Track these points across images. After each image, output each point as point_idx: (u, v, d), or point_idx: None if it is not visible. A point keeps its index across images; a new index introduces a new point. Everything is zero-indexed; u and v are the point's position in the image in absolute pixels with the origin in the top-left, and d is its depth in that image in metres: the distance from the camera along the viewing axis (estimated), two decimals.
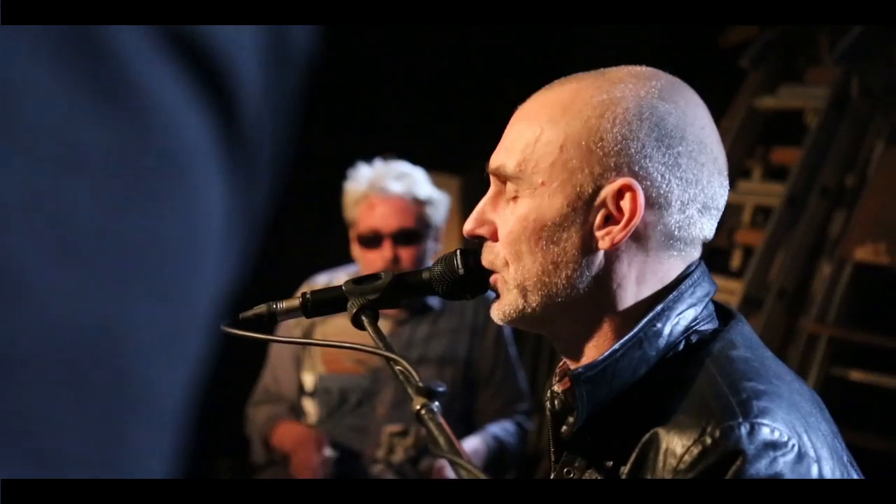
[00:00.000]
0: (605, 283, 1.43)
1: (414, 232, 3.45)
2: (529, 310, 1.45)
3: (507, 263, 1.46)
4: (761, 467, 1.28)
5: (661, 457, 1.33)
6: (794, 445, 1.30)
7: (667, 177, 1.39)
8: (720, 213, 1.48)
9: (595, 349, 1.44)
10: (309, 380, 3.55)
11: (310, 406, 3.56)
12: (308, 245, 4.62)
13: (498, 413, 3.57)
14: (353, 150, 3.64)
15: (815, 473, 1.31)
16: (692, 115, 1.42)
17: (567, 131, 1.41)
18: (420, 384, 1.29)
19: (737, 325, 1.46)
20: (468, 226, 1.50)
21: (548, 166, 1.41)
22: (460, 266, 1.51)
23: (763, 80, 4.69)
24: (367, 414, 3.48)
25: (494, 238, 1.48)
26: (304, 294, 1.55)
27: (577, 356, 1.48)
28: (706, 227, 1.45)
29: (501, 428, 3.53)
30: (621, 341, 1.41)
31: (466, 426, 3.52)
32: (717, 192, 1.45)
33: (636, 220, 1.39)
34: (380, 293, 1.52)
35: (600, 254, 1.42)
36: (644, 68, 1.46)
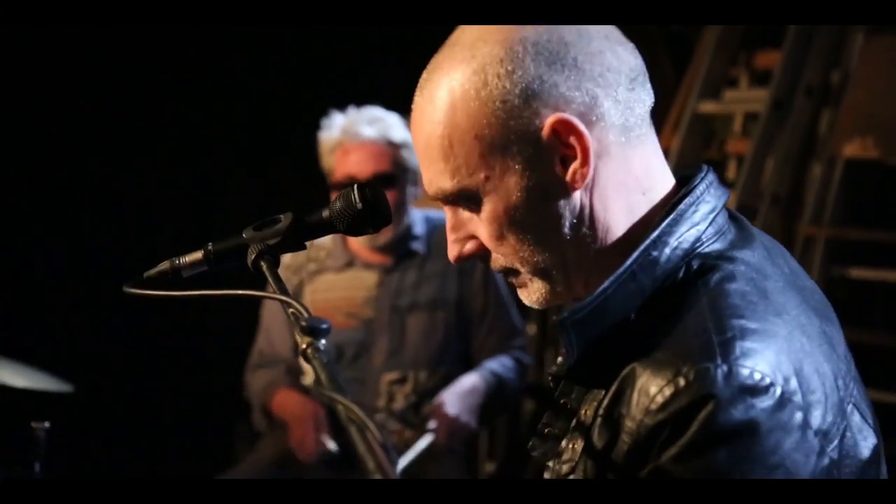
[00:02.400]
0: (595, 214, 1.37)
1: (390, 176, 3.43)
2: (559, 286, 1.41)
3: (512, 263, 1.40)
4: (735, 413, 1.21)
5: (635, 394, 1.28)
6: (775, 391, 1.23)
7: (581, 86, 1.34)
8: (646, 75, 1.40)
9: (599, 282, 1.37)
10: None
11: (306, 364, 3.55)
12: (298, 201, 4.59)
13: (495, 350, 3.56)
14: (331, 101, 3.61)
15: (797, 420, 1.24)
16: (554, 26, 1.36)
17: (468, 117, 1.35)
18: (304, 323, 1.26)
19: (745, 248, 1.37)
20: (451, 256, 1.44)
21: (478, 160, 1.36)
22: (358, 200, 1.48)
23: None
24: (364, 365, 3.48)
25: (484, 249, 1.42)
26: (206, 246, 1.53)
27: (582, 295, 1.41)
28: (644, 96, 1.39)
29: (499, 363, 3.52)
30: (611, 279, 1.34)
31: (465, 366, 3.52)
32: (628, 60, 1.38)
33: (589, 145, 1.34)
34: (280, 237, 1.49)
35: (578, 194, 1.36)
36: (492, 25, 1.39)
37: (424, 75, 1.41)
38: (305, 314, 1.30)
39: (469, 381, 3.41)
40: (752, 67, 4.66)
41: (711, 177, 1.41)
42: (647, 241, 1.35)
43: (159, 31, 4.44)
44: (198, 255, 1.53)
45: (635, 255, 1.34)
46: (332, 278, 3.55)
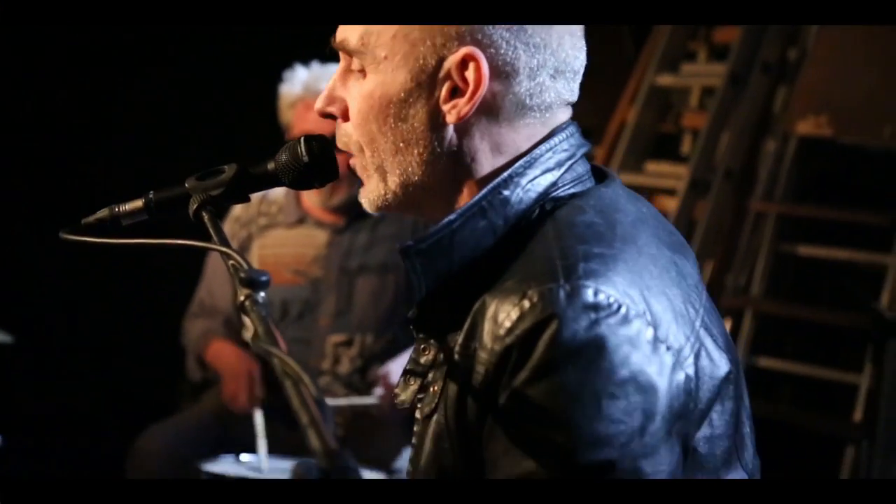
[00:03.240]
0: (459, 157, 1.38)
1: None
2: (391, 194, 1.40)
3: (361, 148, 1.41)
4: (579, 329, 1.23)
5: (486, 323, 1.29)
6: (620, 307, 1.24)
7: (512, 43, 1.34)
8: (578, 76, 1.41)
9: None
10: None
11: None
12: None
13: None
14: (292, 54, 3.56)
15: (647, 336, 1.26)
16: None
17: None
18: (243, 275, 1.24)
19: (599, 188, 1.40)
20: (318, 104, 1.44)
21: (389, 38, 1.36)
22: (304, 153, 1.45)
23: None
24: (309, 325, 3.45)
25: (345, 117, 1.42)
26: (146, 194, 1.49)
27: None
28: (563, 91, 1.39)
29: None
30: (458, 211, 1.35)
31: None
32: (570, 53, 1.38)
33: (481, 91, 1.34)
34: (223, 187, 1.46)
35: (450, 128, 1.36)
36: None
37: None
38: (245, 266, 1.28)
39: None
40: (711, 42, 4.66)
41: (572, 129, 1.41)
42: (498, 180, 1.36)
43: None
44: (138, 203, 1.50)
45: (484, 191, 1.35)
46: (282, 234, 3.52)
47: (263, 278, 1.24)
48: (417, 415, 1.41)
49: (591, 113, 4.80)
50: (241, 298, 1.23)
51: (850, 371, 3.78)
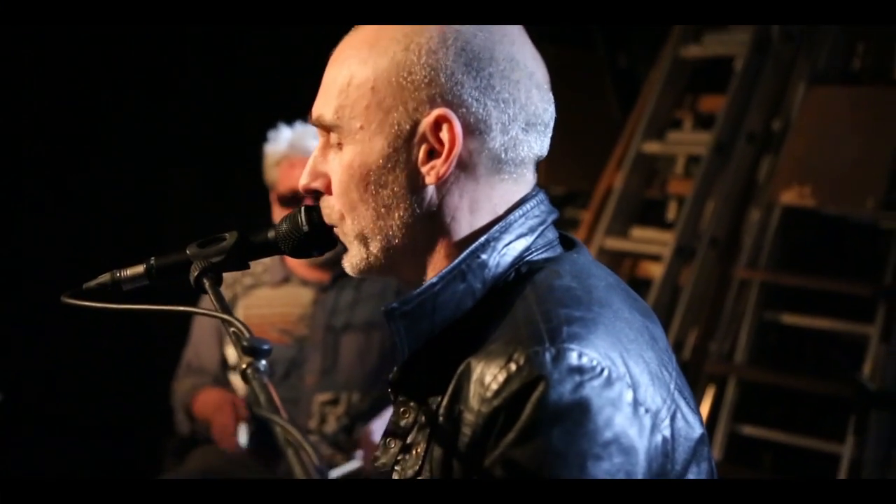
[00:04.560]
0: (439, 217, 1.41)
1: None
2: (373, 258, 1.43)
3: (342, 217, 1.44)
4: (565, 391, 1.25)
5: (472, 386, 1.31)
6: (602, 370, 1.28)
7: (482, 101, 1.38)
8: (549, 129, 1.45)
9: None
10: (233, 354, 3.52)
11: (236, 380, 3.53)
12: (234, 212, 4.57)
13: None
14: (276, 115, 3.60)
15: (628, 398, 1.29)
16: (500, 32, 1.40)
17: (376, 70, 1.39)
18: (245, 343, 1.26)
19: (571, 254, 1.44)
20: (302, 180, 1.47)
21: (363, 109, 1.39)
22: (304, 223, 1.48)
23: (688, 30, 4.66)
24: (295, 384, 3.46)
25: (329, 191, 1.45)
26: (148, 260, 1.51)
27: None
28: (535, 145, 1.43)
29: None
30: (440, 274, 1.38)
31: None
32: (539, 106, 1.42)
33: (457, 150, 1.37)
34: (224, 255, 1.49)
35: (429, 189, 1.40)
36: None
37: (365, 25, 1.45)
38: (247, 333, 1.30)
39: None
40: (697, 111, 4.74)
41: (542, 196, 1.46)
42: (476, 245, 1.40)
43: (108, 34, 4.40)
44: (139, 269, 1.52)
45: (464, 255, 1.39)
46: (267, 293, 3.53)
47: (265, 347, 1.26)
48: (397, 476, 1.42)
49: (578, 177, 4.86)
50: (244, 366, 1.25)
51: (832, 441, 3.80)
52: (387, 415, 3.33)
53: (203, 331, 3.55)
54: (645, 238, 4.60)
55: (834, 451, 3.76)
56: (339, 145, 1.42)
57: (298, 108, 3.55)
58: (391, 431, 1.45)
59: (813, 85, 4.17)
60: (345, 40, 1.44)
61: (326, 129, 1.44)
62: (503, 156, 1.40)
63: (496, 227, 1.41)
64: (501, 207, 1.42)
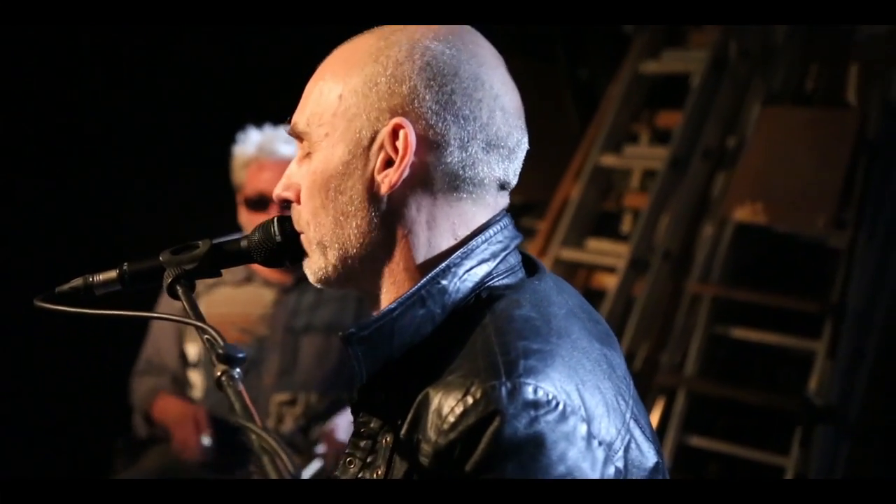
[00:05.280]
0: (395, 230, 1.43)
1: None
2: (331, 267, 1.46)
3: (307, 223, 1.46)
4: (520, 426, 1.27)
5: (430, 416, 1.33)
6: (558, 404, 1.29)
7: (441, 115, 1.40)
8: (514, 154, 1.46)
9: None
10: (192, 350, 3.54)
11: (195, 377, 3.54)
12: (199, 214, 4.57)
13: None
14: (243, 118, 3.61)
15: (582, 432, 1.31)
16: (469, 52, 1.43)
17: (346, 81, 1.42)
18: (220, 351, 1.28)
19: (532, 282, 1.46)
20: (276, 190, 1.50)
21: (330, 117, 1.43)
22: (277, 233, 1.51)
23: (647, 46, 4.74)
24: (253, 384, 3.47)
25: (298, 199, 1.48)
26: (121, 265, 1.54)
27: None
28: (496, 168, 1.44)
29: None
30: (399, 300, 1.40)
31: None
32: (503, 129, 1.44)
33: (408, 159, 1.39)
34: (197, 262, 1.51)
35: (385, 199, 1.42)
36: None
37: (360, 34, 1.48)
38: (222, 341, 1.32)
39: None
40: (653, 125, 4.81)
41: (506, 221, 1.48)
42: (437, 270, 1.41)
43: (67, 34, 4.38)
44: (112, 274, 1.54)
45: (423, 280, 1.41)
46: (229, 292, 3.55)
47: (240, 355, 1.28)
48: None
49: (535, 187, 4.90)
50: (218, 374, 1.27)
51: (777, 453, 3.87)
52: (348, 413, 3.36)
53: (162, 327, 3.56)
54: (600, 250, 4.66)
55: (779, 464, 3.84)
56: (309, 154, 1.45)
57: (268, 111, 3.59)
58: (350, 452, 1.47)
59: (768, 104, 4.26)
60: (329, 56, 1.48)
61: (300, 137, 1.47)
62: (461, 173, 1.42)
63: (458, 253, 1.42)
64: (461, 228, 1.44)
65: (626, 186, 4.80)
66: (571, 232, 4.61)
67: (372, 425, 1.44)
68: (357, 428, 1.46)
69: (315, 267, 1.47)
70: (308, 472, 3.28)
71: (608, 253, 4.61)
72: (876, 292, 3.90)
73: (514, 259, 1.48)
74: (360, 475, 1.44)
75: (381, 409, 1.43)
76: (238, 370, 1.28)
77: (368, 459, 1.43)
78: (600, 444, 1.33)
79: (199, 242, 1.53)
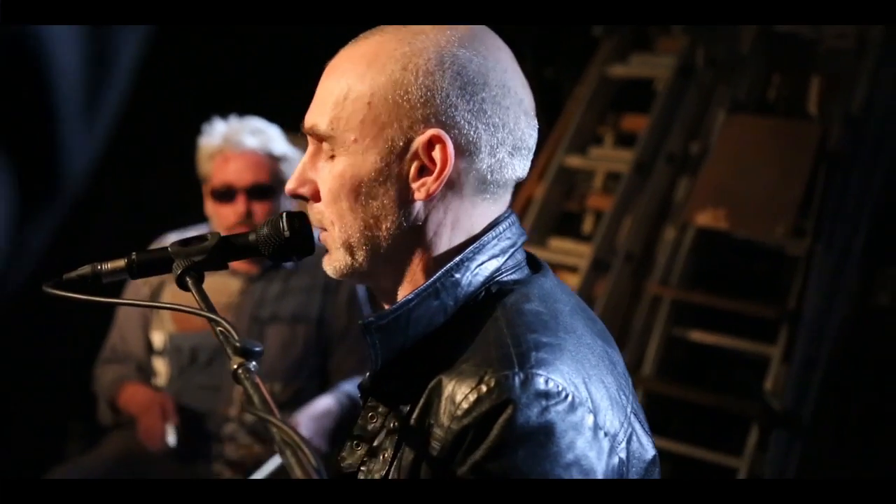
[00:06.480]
0: (423, 232, 1.47)
1: (268, 187, 3.45)
2: (357, 265, 1.49)
3: (332, 223, 1.49)
4: (532, 415, 1.32)
5: (443, 402, 1.38)
6: (566, 395, 1.34)
7: (474, 123, 1.44)
8: (531, 154, 1.52)
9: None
10: (158, 338, 3.53)
11: (160, 365, 3.53)
12: (165, 204, 4.56)
13: (352, 370, 3.60)
14: (209, 109, 3.61)
15: (589, 423, 1.36)
16: (494, 59, 1.46)
17: (373, 86, 1.44)
18: (237, 344, 1.30)
19: (538, 278, 1.51)
20: (290, 185, 1.52)
21: (358, 123, 1.45)
22: (286, 228, 1.53)
23: (615, 49, 4.79)
24: (218, 372, 3.47)
25: (316, 198, 1.51)
26: (129, 255, 1.55)
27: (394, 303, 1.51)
28: (518, 168, 1.50)
29: (355, 386, 3.56)
30: (416, 291, 1.45)
31: (320, 382, 3.55)
32: (525, 132, 1.49)
33: (448, 170, 1.43)
34: (206, 255, 1.53)
35: (418, 204, 1.46)
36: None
37: (369, 32, 1.49)
38: (235, 334, 1.34)
39: (324, 403, 3.45)
40: (618, 128, 4.87)
41: (513, 219, 1.54)
42: (451, 264, 1.47)
43: None
44: (121, 262, 1.55)
45: (439, 273, 1.46)
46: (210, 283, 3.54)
47: (257, 348, 1.31)
48: (362, 477, 1.50)
49: None
50: (234, 367, 1.29)
51: (730, 455, 3.95)
52: (312, 408, 3.39)
53: (128, 314, 3.55)
54: (562, 249, 4.71)
55: (731, 466, 3.92)
56: (332, 156, 1.47)
57: (233, 105, 3.60)
58: (358, 434, 1.51)
59: (732, 112, 4.33)
60: (342, 53, 1.49)
61: (319, 138, 1.49)
62: (489, 177, 1.47)
63: (471, 248, 1.47)
64: (478, 226, 1.49)
65: (589, 187, 4.85)
66: (535, 231, 4.66)
67: (380, 409, 1.49)
68: (366, 412, 1.51)
69: (339, 264, 1.51)
70: (272, 465, 3.29)
71: (570, 252, 4.67)
72: (831, 300, 3.99)
73: (521, 256, 1.53)
74: (366, 458, 1.48)
75: (392, 394, 1.48)
76: (254, 363, 1.30)
77: (376, 442, 1.48)
78: (605, 434, 1.38)
79: (208, 235, 1.55)
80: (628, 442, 1.43)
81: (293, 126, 4.23)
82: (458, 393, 1.36)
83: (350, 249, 1.49)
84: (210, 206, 3.48)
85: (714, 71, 4.49)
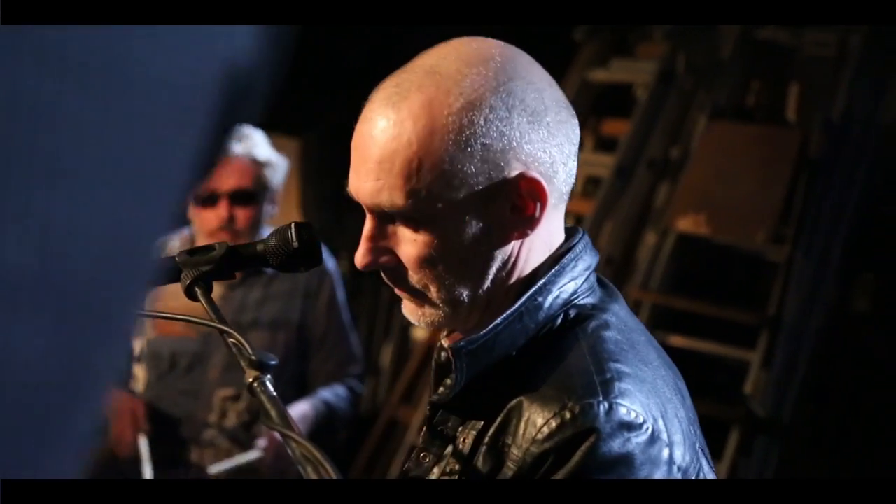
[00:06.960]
0: (516, 263, 1.46)
1: (251, 192, 3.43)
2: (461, 316, 1.48)
3: (426, 286, 1.46)
4: (614, 446, 1.32)
5: (522, 424, 1.37)
6: (647, 428, 1.34)
7: (548, 150, 1.42)
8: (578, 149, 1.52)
9: (490, 319, 1.46)
10: (136, 345, 3.50)
11: (139, 370, 3.51)
12: None
13: (330, 377, 3.59)
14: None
15: (665, 456, 1.35)
16: (537, 78, 1.44)
17: (446, 147, 1.39)
18: (253, 357, 1.29)
19: (613, 304, 1.50)
20: (363, 261, 1.46)
21: (442, 189, 1.39)
22: (294, 239, 1.52)
23: (596, 54, 4.81)
24: (198, 378, 3.45)
25: (398, 265, 1.46)
26: None
27: (470, 328, 1.50)
28: (574, 167, 1.49)
29: (332, 392, 3.55)
30: (503, 316, 1.43)
31: (298, 389, 3.53)
32: (577, 133, 1.48)
33: (547, 210, 1.41)
34: (213, 264, 1.52)
35: (515, 244, 1.45)
36: (467, 47, 1.44)
37: (396, 89, 1.41)
38: (248, 347, 1.33)
39: (301, 409, 3.43)
40: (599, 133, 4.89)
41: (587, 239, 1.53)
42: (535, 288, 1.45)
43: None
44: None
45: (524, 298, 1.44)
46: (175, 286, 3.52)
47: (273, 362, 1.29)
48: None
49: None
50: (250, 380, 1.27)
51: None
52: (293, 412, 3.37)
53: None
54: None
55: None
56: (413, 225, 1.43)
57: None
58: (424, 447, 1.51)
59: (713, 119, 4.36)
60: (381, 118, 1.41)
61: (397, 216, 1.43)
62: (564, 190, 1.46)
63: (553, 271, 1.45)
64: (556, 240, 1.48)
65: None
66: None
67: (450, 424, 1.48)
68: (434, 425, 1.50)
69: (438, 320, 1.48)
70: (242, 459, 3.28)
71: None
72: (810, 306, 4.03)
73: (594, 278, 1.52)
74: (434, 470, 1.48)
75: (465, 412, 1.47)
76: (269, 376, 1.29)
77: (444, 456, 1.48)
78: (678, 469, 1.38)
79: (216, 245, 1.54)
80: (696, 476, 1.42)
81: (277, 129, 4.23)
82: (540, 417, 1.35)
83: (454, 305, 1.46)
84: (194, 212, 3.46)
85: (695, 77, 4.51)
